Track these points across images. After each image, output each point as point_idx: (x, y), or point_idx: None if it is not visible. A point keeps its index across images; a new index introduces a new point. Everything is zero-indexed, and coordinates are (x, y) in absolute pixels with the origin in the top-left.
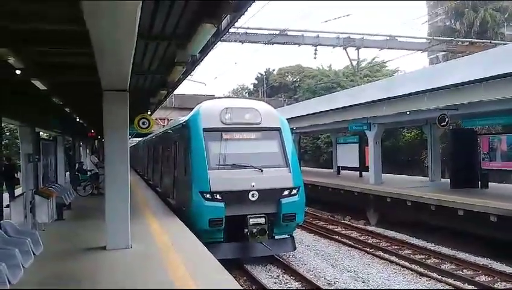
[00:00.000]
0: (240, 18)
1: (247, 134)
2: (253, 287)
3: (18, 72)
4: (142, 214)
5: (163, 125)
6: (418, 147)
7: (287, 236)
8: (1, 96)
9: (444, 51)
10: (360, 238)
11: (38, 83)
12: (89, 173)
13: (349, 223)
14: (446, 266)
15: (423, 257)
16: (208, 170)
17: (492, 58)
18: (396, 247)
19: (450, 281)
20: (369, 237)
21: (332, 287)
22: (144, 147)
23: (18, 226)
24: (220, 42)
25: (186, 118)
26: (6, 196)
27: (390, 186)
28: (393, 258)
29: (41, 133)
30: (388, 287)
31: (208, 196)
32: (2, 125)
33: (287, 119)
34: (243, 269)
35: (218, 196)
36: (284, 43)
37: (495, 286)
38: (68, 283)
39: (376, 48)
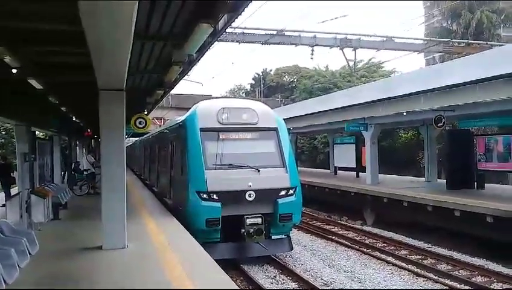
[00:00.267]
0: (236, 18)
1: (244, 134)
2: (250, 288)
3: (14, 71)
4: (139, 213)
5: (160, 125)
6: (415, 148)
7: (283, 236)
8: None
9: (441, 52)
10: (357, 238)
11: (34, 82)
12: (85, 173)
13: (346, 223)
14: (442, 267)
15: (420, 257)
16: (204, 169)
17: (488, 59)
18: (393, 247)
19: (447, 281)
20: (366, 238)
21: (329, 288)
22: (140, 146)
23: (14, 226)
24: (217, 42)
25: (183, 117)
26: (2, 195)
27: (386, 186)
28: (390, 258)
29: (37, 132)
30: (385, 288)
31: (204, 195)
32: None
33: (284, 119)
34: (240, 269)
35: (214, 196)
36: (281, 43)
37: (491, 286)
38: (64, 283)
39: (373, 49)
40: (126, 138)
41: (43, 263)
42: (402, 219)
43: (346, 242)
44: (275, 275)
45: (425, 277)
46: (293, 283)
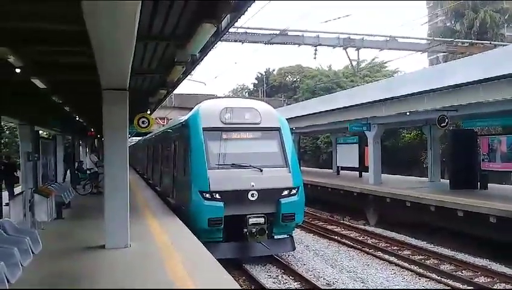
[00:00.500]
0: (239, 18)
1: (247, 134)
2: (253, 287)
3: (18, 70)
4: (142, 213)
5: (163, 125)
6: (418, 148)
7: (286, 236)
8: (1, 95)
9: (444, 52)
10: (360, 238)
11: (37, 82)
12: (88, 172)
13: (348, 223)
14: (445, 267)
15: (422, 257)
16: (207, 169)
17: (492, 59)
18: (395, 247)
19: (449, 282)
20: (369, 238)
21: (332, 288)
22: (143, 146)
23: (17, 225)
24: (220, 42)
25: (185, 117)
26: (5, 194)
27: (389, 186)
28: (392, 258)
29: (40, 132)
30: (387, 288)
31: (207, 195)
32: (2, 124)
33: (287, 119)
34: (242, 269)
35: (217, 196)
36: (284, 43)
37: (494, 287)
38: (67, 282)
39: (376, 49)
40: (129, 137)
41: (46, 262)
42: (405, 219)
43: (349, 242)
44: (277, 274)
45: (428, 277)
46: (296, 283)
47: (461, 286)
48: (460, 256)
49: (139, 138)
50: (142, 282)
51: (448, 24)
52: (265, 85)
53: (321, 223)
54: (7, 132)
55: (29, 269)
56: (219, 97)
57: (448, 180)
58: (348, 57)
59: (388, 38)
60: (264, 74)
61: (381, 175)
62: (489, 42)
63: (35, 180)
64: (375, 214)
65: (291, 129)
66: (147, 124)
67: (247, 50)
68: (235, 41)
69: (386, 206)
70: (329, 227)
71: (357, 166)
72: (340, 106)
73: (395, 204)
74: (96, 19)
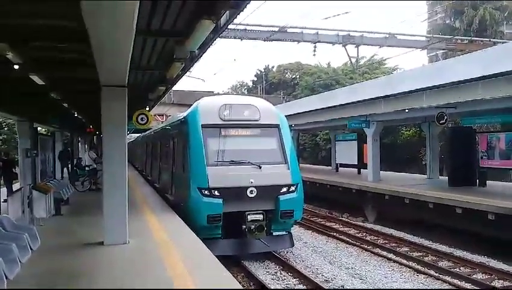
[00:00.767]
0: (238, 14)
1: (246, 130)
2: (251, 284)
3: (16, 67)
4: (140, 210)
5: (162, 122)
6: (417, 145)
7: (285, 233)
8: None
9: (444, 49)
10: (358, 235)
11: (36, 78)
12: (87, 169)
13: (347, 220)
14: (444, 264)
15: (421, 254)
16: (206, 166)
17: (491, 56)
18: (394, 244)
19: (448, 278)
20: (367, 234)
21: (330, 284)
22: (142, 142)
23: (15, 221)
24: (219, 38)
25: (184, 114)
26: (4, 190)
27: (388, 183)
28: (391, 255)
29: (39, 128)
30: (385, 284)
31: (206, 192)
32: (1, 120)
33: (286, 116)
34: (241, 265)
35: (216, 192)
36: (283, 40)
37: (492, 283)
38: (65, 278)
39: (375, 46)
40: (128, 134)
41: (45, 258)
42: (403, 216)
43: (347, 239)
44: (276, 271)
45: (426, 274)
46: (294, 280)
47: (459, 283)
48: (459, 253)
49: (138, 135)
50: (141, 278)
51: (447, 21)
52: (264, 82)
53: (320, 220)
54: (6, 128)
55: (27, 266)
56: (218, 94)
57: (446, 178)
58: (347, 54)
59: (387, 36)
60: (263, 70)
61: (379, 172)
62: (488, 39)
63: (34, 177)
64: (373, 211)
65: (290, 126)
66: (145, 121)
67: (247, 47)
68: (235, 38)
69: (385, 203)
70: (328, 224)
71: (356, 163)
72: (339, 103)
73: (393, 201)
74: (95, 17)
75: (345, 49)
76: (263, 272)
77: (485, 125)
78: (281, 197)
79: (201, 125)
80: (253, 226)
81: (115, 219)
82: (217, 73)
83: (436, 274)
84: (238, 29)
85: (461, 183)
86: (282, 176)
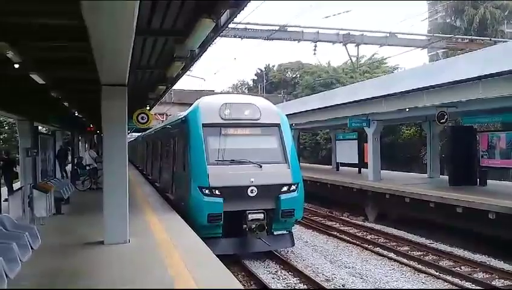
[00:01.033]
0: (239, 13)
1: (247, 130)
2: (251, 283)
3: (16, 66)
4: (141, 209)
5: (162, 121)
6: (417, 144)
7: (285, 232)
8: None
9: (444, 48)
10: (359, 234)
11: (36, 77)
12: (87, 168)
13: (347, 219)
14: (444, 263)
15: (421, 253)
16: (207, 165)
17: (492, 55)
18: (394, 243)
19: (448, 277)
20: (368, 234)
21: (330, 283)
22: (142, 142)
23: (16, 220)
24: (219, 37)
25: (185, 113)
26: (4, 189)
27: (388, 182)
28: (391, 254)
29: (40, 127)
30: (386, 283)
31: (206, 191)
32: (1, 119)
33: (286, 115)
34: (242, 264)
35: (217, 192)
36: (283, 39)
37: (493, 283)
38: (66, 278)
39: (376, 45)
40: (128, 133)
41: (45, 257)
42: (404, 215)
43: (348, 238)
44: (276, 270)
45: (427, 273)
46: (294, 279)
47: (460, 282)
48: (459, 252)
49: (139, 134)
50: (142, 278)
51: (448, 20)
52: (264, 81)
53: (320, 219)
54: (6, 127)
55: (28, 265)
56: (218, 93)
57: (447, 177)
58: (348, 53)
59: (388, 35)
60: (263, 69)
61: (380, 171)
62: (489, 38)
63: (35, 176)
64: (374, 210)
65: (290, 125)
66: (146, 120)
67: (247, 46)
68: (235, 37)
69: (385, 203)
70: (328, 223)
71: (357, 162)
72: (339, 102)
73: (394, 200)
74: (95, 16)
75: (346, 48)
76: (264, 271)
77: (485, 125)
78: (282, 197)
79: (202, 124)
80: (253, 225)
81: (116, 218)
82: (217, 72)
83: (437, 273)
84: (238, 28)
85: (462, 182)
86: (283, 175)
